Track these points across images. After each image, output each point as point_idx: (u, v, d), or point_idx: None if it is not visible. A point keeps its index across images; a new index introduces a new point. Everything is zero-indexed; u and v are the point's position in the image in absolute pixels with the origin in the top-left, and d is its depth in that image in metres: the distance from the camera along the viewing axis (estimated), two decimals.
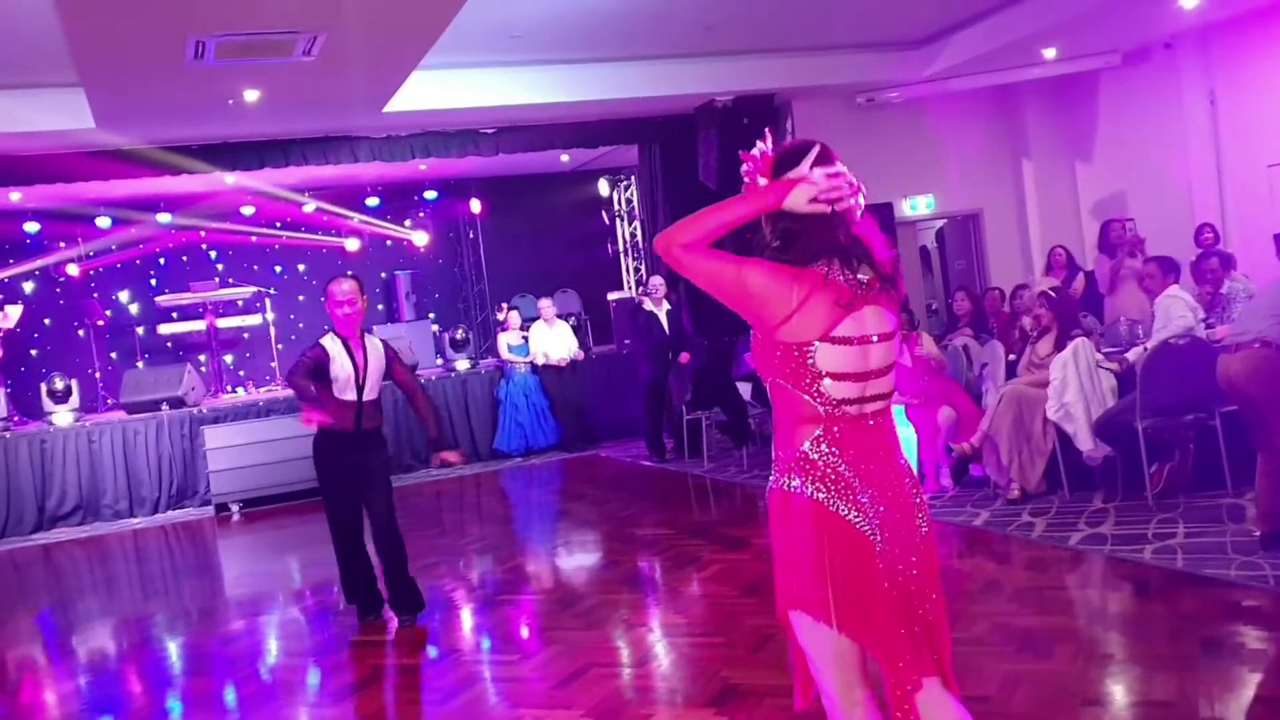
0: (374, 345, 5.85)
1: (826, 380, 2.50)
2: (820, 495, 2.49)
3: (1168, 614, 4.82)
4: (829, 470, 2.50)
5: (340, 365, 5.68)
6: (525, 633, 5.82)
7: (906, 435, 7.93)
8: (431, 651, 5.63)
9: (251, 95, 9.46)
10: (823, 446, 2.51)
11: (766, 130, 2.87)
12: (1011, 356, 8.12)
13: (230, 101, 9.41)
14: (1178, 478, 6.66)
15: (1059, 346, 7.16)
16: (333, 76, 9.10)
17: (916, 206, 13.48)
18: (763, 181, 2.58)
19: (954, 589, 5.67)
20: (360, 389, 5.71)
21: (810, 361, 2.49)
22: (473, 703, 4.76)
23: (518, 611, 6.24)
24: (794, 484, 2.53)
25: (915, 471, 2.75)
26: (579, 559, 7.50)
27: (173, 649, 6.18)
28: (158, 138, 10.35)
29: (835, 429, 2.52)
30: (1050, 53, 11.83)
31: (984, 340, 8.71)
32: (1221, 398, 6.47)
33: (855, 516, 2.48)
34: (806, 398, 2.52)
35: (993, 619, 4.96)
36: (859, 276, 2.53)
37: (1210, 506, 6.24)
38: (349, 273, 5.95)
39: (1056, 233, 12.88)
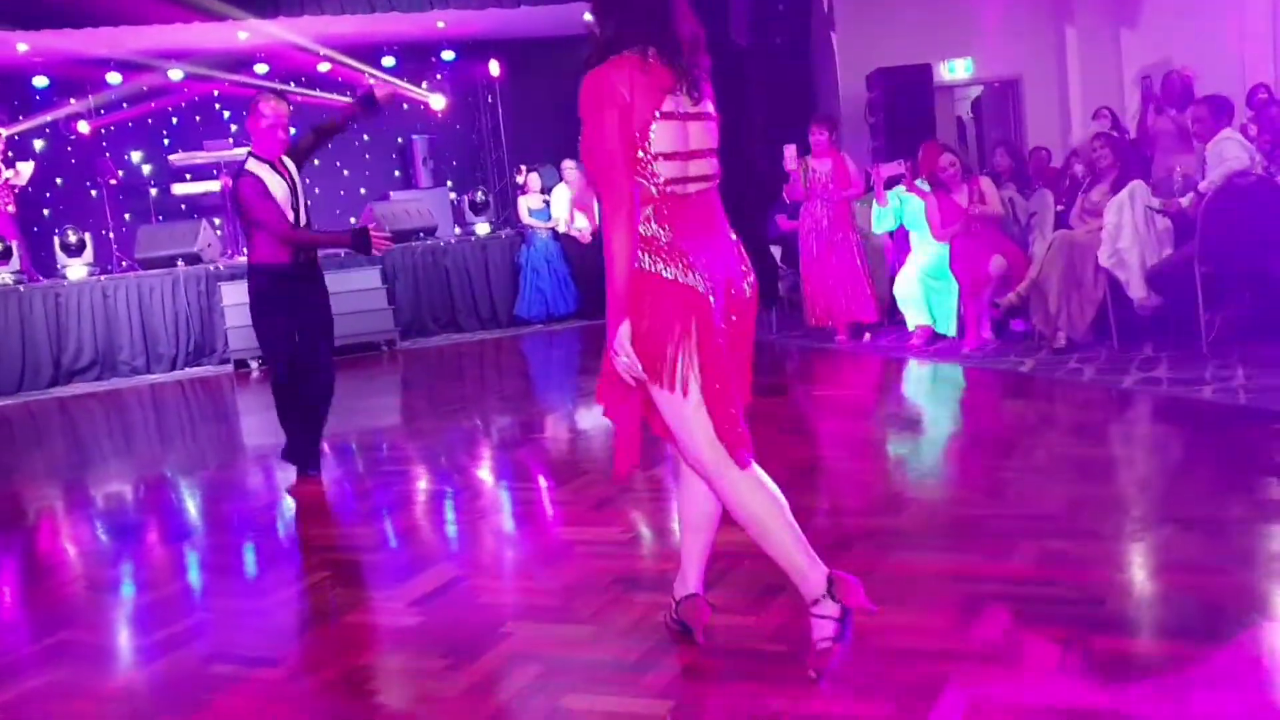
0: (291, 166, 5.19)
1: (659, 161, 2.66)
2: (658, 267, 2.66)
3: (1233, 444, 4.59)
4: (666, 244, 2.68)
5: (276, 189, 5.01)
6: (556, 466, 5.65)
7: (949, 287, 7.69)
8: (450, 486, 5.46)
9: None
10: (653, 224, 2.68)
11: None
12: (1060, 207, 7.81)
13: None
14: (1233, 326, 6.39)
15: (1115, 190, 6.84)
16: None
17: (955, 70, 12.97)
18: None
19: (1007, 425, 5.49)
20: (297, 212, 5.10)
21: (649, 145, 2.65)
22: (512, 522, 4.62)
23: (546, 449, 6.09)
24: (642, 263, 2.66)
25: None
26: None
27: (189, 500, 5.93)
28: None
29: (664, 208, 2.69)
30: None
31: (1030, 193, 8.37)
32: None
33: (693, 281, 2.67)
34: (642, 180, 2.67)
35: (1050, 450, 4.76)
36: (677, 60, 2.68)
37: (1269, 354, 5.97)
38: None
39: (1098, 103, 12.41)
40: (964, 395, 6.49)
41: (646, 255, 2.68)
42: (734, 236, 2.88)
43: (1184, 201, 6.62)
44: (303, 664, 3.30)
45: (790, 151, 8.31)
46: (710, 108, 2.80)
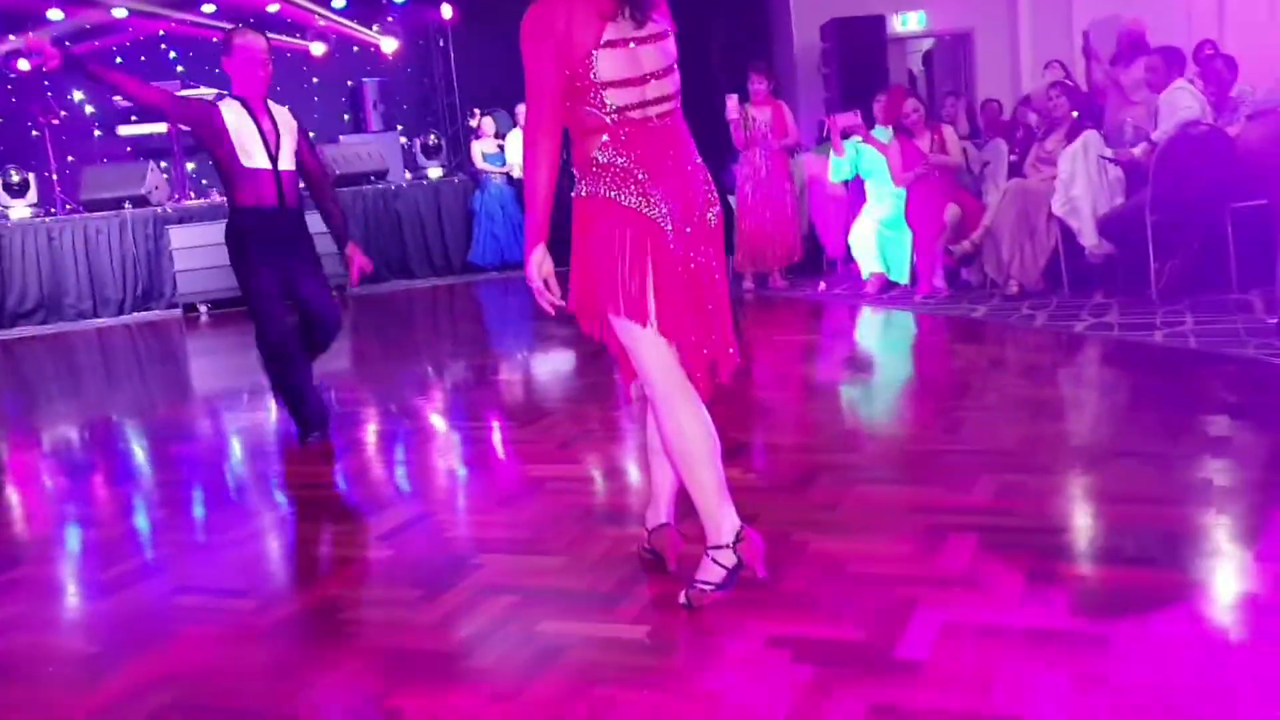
0: (282, 113, 4.86)
1: (608, 90, 2.64)
2: (613, 194, 2.66)
3: (1184, 385, 4.70)
4: (619, 171, 2.67)
5: (242, 130, 4.68)
6: (516, 408, 5.66)
7: (903, 236, 7.77)
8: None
9: None
10: (610, 151, 2.67)
11: None
12: (1013, 157, 7.90)
13: None
14: (1182, 275, 6.52)
15: (1069, 140, 6.93)
16: None
17: (908, 22, 13.01)
18: None
19: (962, 367, 5.58)
20: (274, 157, 4.75)
21: (593, 74, 2.62)
22: (476, 461, 4.64)
23: (505, 392, 6.10)
24: (587, 189, 2.71)
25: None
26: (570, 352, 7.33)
27: (142, 441, 5.82)
28: None
29: (621, 133, 2.67)
30: None
31: (983, 143, 8.45)
32: (1234, 191, 6.33)
33: (648, 209, 2.67)
34: (592, 110, 2.66)
35: (1005, 390, 4.86)
36: None
37: (1216, 301, 6.11)
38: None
39: (1048, 56, 12.48)
40: (919, 340, 6.59)
41: (602, 182, 2.69)
42: (699, 162, 2.84)
43: (1137, 151, 6.72)
44: (272, 595, 3.30)
45: (732, 101, 8.33)
46: (661, 25, 2.73)
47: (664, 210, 2.69)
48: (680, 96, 2.80)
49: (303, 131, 4.92)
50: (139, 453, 5.52)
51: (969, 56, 13.62)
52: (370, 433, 5.40)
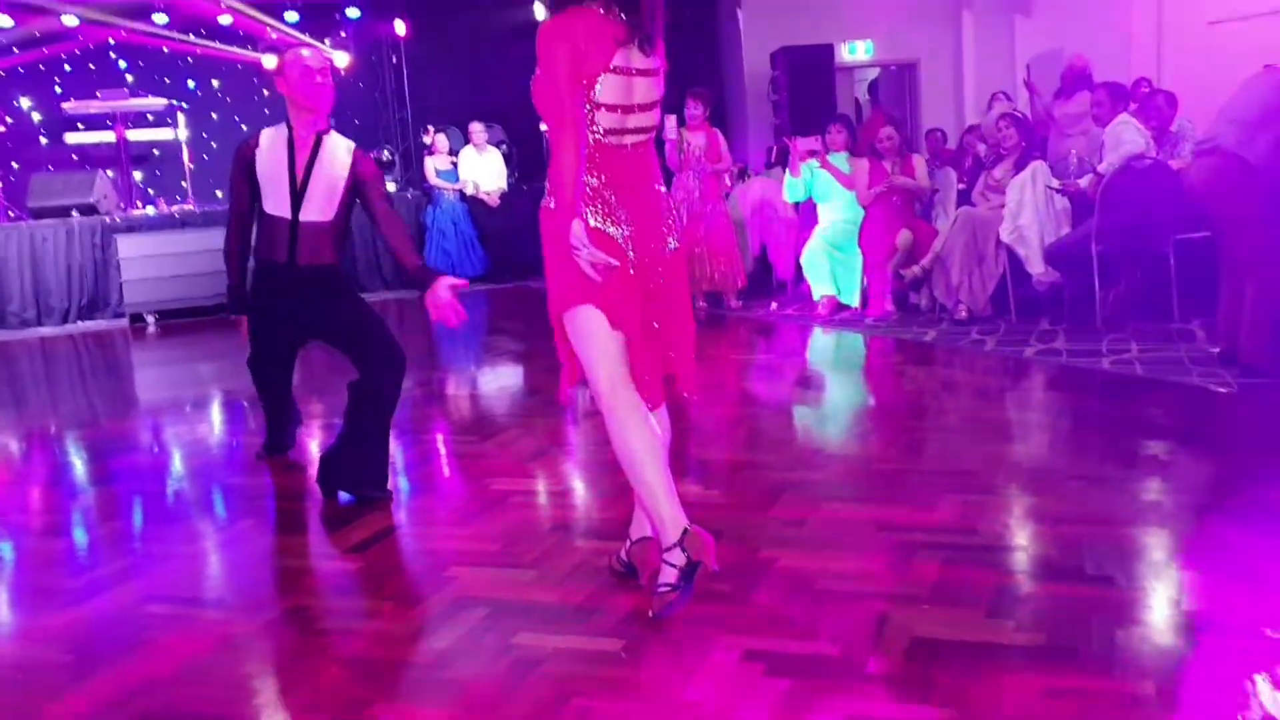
0: (334, 147, 4.18)
1: (601, 111, 2.77)
2: (583, 211, 2.76)
3: (1131, 409, 4.84)
4: (590, 190, 2.80)
5: (269, 162, 4.16)
6: (480, 421, 5.68)
7: (854, 259, 7.91)
8: None
9: None
10: (584, 169, 2.76)
11: None
12: (961, 185, 8.09)
13: None
14: (1126, 303, 6.72)
15: (1017, 169, 7.12)
16: None
17: (855, 51, 13.26)
18: None
19: (916, 389, 5.70)
20: (296, 201, 4.15)
21: (594, 93, 2.75)
22: (440, 475, 4.66)
23: (467, 405, 6.12)
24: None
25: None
26: (519, 370, 7.36)
27: (102, 450, 5.70)
28: None
29: (598, 156, 2.80)
30: None
31: (933, 170, 8.63)
32: (1177, 223, 6.54)
33: (612, 229, 2.81)
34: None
35: (961, 413, 4.99)
36: (634, 14, 2.76)
37: (1160, 330, 6.31)
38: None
39: (992, 88, 12.78)
40: (873, 361, 6.71)
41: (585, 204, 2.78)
42: (662, 190, 2.98)
43: (1083, 182, 6.91)
44: (243, 604, 3.28)
45: (670, 122, 8.46)
46: (657, 61, 2.88)
47: (627, 231, 2.84)
48: (657, 130, 2.96)
49: (368, 169, 4.21)
50: (98, 463, 5.44)
51: (914, 86, 13.91)
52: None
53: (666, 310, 2.96)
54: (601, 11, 2.76)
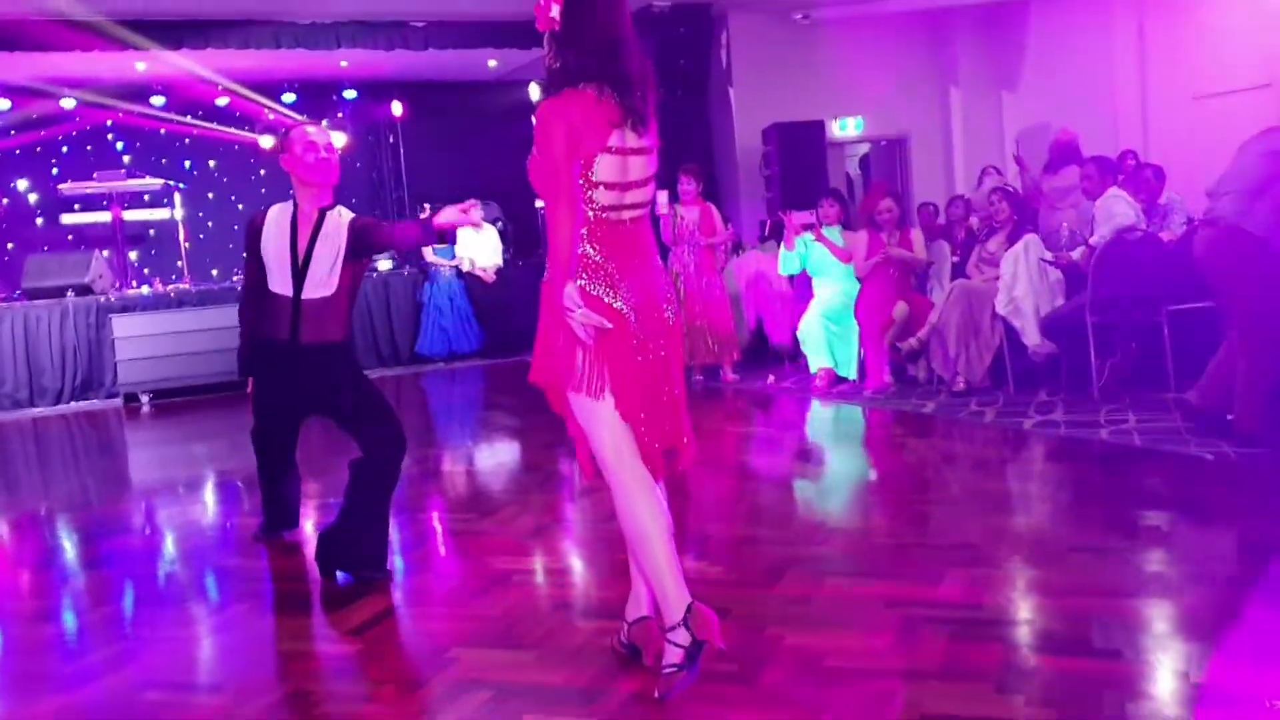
0: (334, 222, 4.17)
1: (599, 189, 2.84)
2: (582, 282, 2.81)
3: (1132, 481, 4.83)
4: (592, 263, 2.85)
5: (274, 239, 4.17)
6: (479, 498, 5.64)
7: (850, 332, 7.94)
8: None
9: None
10: (585, 244, 2.85)
11: None
12: (955, 257, 8.15)
13: None
14: (1122, 374, 6.74)
15: (1011, 242, 7.18)
16: None
17: (846, 127, 13.43)
18: (555, 10, 2.84)
19: (916, 461, 5.68)
20: (298, 279, 4.15)
21: (592, 172, 2.83)
22: (439, 553, 4.62)
23: (465, 482, 6.08)
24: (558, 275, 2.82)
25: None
26: (512, 450, 7.33)
27: (65, 539, 5.60)
28: (69, 8, 9.69)
29: (598, 231, 2.86)
30: None
31: (928, 243, 8.69)
32: (1170, 294, 6.59)
33: (614, 300, 2.85)
34: (580, 204, 2.83)
35: (963, 485, 4.96)
36: (627, 97, 2.84)
37: (1156, 400, 6.31)
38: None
39: (981, 161, 12.92)
40: (873, 434, 6.70)
41: (579, 273, 2.84)
42: (659, 263, 3.05)
43: (1075, 255, 6.97)
44: (241, 690, 3.22)
45: (662, 197, 8.55)
46: (651, 139, 2.96)
47: (628, 303, 2.87)
48: (651, 204, 3.06)
49: (362, 225, 4.18)
50: (89, 545, 5.37)
51: (905, 160, 14.07)
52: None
53: (667, 381, 2.99)
54: (596, 94, 2.83)
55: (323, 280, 4.15)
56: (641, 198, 2.96)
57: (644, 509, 2.84)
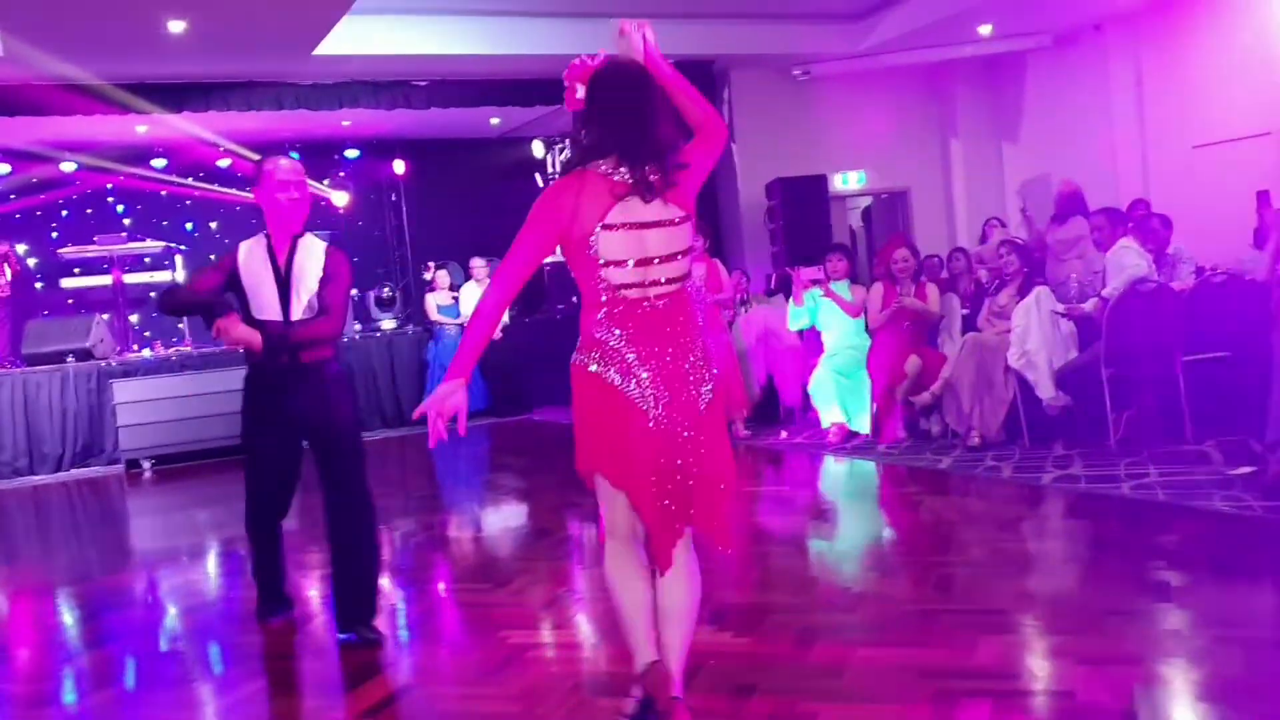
0: (310, 247, 4.28)
1: (608, 268, 2.80)
2: (596, 368, 2.82)
3: (1160, 539, 4.71)
4: (609, 349, 2.82)
5: (253, 270, 4.20)
6: (489, 568, 5.51)
7: (861, 385, 7.85)
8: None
9: (177, 27, 8.96)
10: (604, 328, 2.83)
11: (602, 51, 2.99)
12: (965, 310, 8.08)
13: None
14: (1138, 426, 6.64)
15: (1021, 295, 7.12)
16: (264, 7, 8.67)
17: (848, 181, 13.47)
18: (580, 91, 2.88)
19: (937, 520, 5.57)
20: (286, 303, 4.20)
21: (592, 251, 2.79)
22: (453, 628, 4.48)
23: (474, 551, 5.96)
24: (580, 358, 2.87)
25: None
26: (522, 512, 7.21)
27: (66, 613, 5.44)
28: (70, 73, 9.71)
29: (616, 310, 2.82)
30: (986, 29, 11.92)
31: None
32: (1184, 344, 6.52)
33: (628, 388, 2.81)
34: (594, 285, 2.83)
35: (987, 545, 4.84)
36: (638, 170, 2.81)
37: (1174, 452, 6.21)
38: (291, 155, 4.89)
39: (982, 213, 12.91)
40: (890, 491, 6.58)
41: (593, 355, 2.84)
42: (696, 341, 2.92)
43: (1088, 306, 6.91)
44: None
45: None
46: (675, 212, 2.86)
47: (648, 392, 2.82)
48: (688, 278, 2.95)
49: (337, 264, 4.27)
50: (89, 622, 5.22)
51: (906, 213, 14.08)
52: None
53: (698, 465, 2.86)
54: (604, 170, 2.82)
55: (301, 306, 4.20)
56: (673, 272, 2.86)
57: (619, 581, 2.91)
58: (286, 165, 4.26)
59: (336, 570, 4.33)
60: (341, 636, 4.24)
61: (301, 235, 4.29)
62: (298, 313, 4.20)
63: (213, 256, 14.05)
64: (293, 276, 4.21)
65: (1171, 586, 3.98)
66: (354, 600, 4.27)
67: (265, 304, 4.19)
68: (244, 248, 4.28)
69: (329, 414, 4.26)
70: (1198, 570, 4.21)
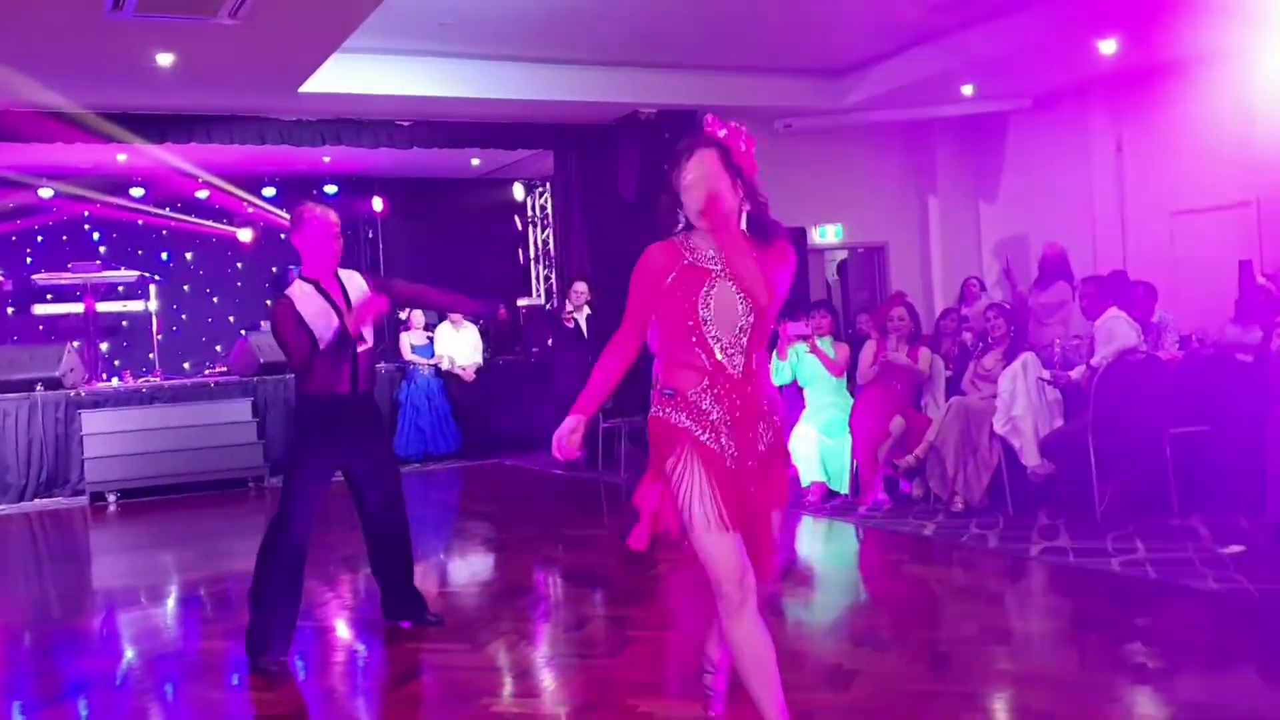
0: (351, 278, 4.65)
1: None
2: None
3: (1158, 620, 4.66)
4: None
5: (315, 310, 4.46)
6: (474, 625, 5.37)
7: (843, 445, 7.79)
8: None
9: (165, 59, 8.86)
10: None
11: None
12: (949, 372, 8.06)
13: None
14: (1124, 498, 6.62)
15: (1007, 360, 7.11)
16: (253, 45, 8.59)
17: (826, 234, 13.52)
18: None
19: (929, 593, 5.49)
20: (343, 333, 4.47)
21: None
22: (421, 696, 4.36)
23: (443, 602, 5.82)
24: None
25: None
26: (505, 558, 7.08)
27: (22, 666, 5.26)
28: (54, 101, 9.57)
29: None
30: (968, 89, 12.02)
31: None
32: (1172, 417, 6.52)
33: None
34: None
35: (978, 621, 4.76)
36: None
37: (1161, 526, 6.18)
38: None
39: (959, 270, 12.99)
40: (873, 559, 6.51)
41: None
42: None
43: (1075, 374, 6.90)
44: None
45: None
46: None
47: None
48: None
49: (379, 281, 4.82)
50: (47, 676, 5.04)
51: (883, 267, 14.13)
52: (303, 650, 5.02)
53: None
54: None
55: (367, 333, 4.58)
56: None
57: (742, 635, 3.00)
58: (331, 213, 4.66)
59: (393, 576, 4.97)
60: (404, 625, 4.98)
61: (340, 269, 4.67)
62: (364, 342, 4.57)
63: (186, 287, 13.99)
64: (348, 309, 4.53)
65: (1177, 670, 3.96)
66: (412, 595, 5.03)
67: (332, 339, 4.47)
68: (294, 290, 4.56)
69: (383, 438, 4.84)
70: (1200, 653, 4.18)
